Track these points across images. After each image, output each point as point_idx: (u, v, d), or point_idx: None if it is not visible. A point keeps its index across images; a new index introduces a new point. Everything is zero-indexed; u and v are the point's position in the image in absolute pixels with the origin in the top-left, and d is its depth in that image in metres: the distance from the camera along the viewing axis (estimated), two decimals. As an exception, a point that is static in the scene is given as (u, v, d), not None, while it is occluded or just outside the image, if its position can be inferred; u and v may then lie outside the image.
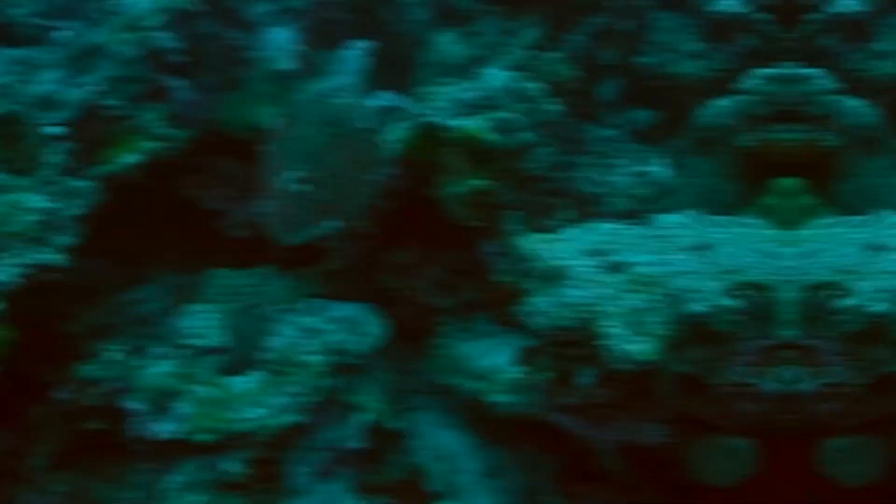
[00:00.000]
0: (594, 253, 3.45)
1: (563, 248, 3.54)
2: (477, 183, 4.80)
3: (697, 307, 2.97)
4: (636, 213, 5.66)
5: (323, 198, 4.85)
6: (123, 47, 5.32)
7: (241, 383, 4.93)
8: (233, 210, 6.10)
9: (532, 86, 5.25)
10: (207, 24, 6.20)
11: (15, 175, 4.86)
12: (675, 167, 5.22)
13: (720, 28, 6.43)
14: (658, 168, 5.78)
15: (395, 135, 5.54)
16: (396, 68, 6.93)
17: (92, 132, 5.24)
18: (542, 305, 3.24)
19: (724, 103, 5.10)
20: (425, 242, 5.59)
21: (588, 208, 5.97)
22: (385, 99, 4.94)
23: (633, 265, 3.26)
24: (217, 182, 6.04)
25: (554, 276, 3.34)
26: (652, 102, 7.20)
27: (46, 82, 5.25)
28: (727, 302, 3.02)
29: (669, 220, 4.31)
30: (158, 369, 5.00)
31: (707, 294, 3.03)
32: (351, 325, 5.17)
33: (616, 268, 3.27)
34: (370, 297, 5.97)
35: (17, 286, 4.47)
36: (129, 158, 5.13)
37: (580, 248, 3.51)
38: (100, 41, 5.38)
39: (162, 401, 4.83)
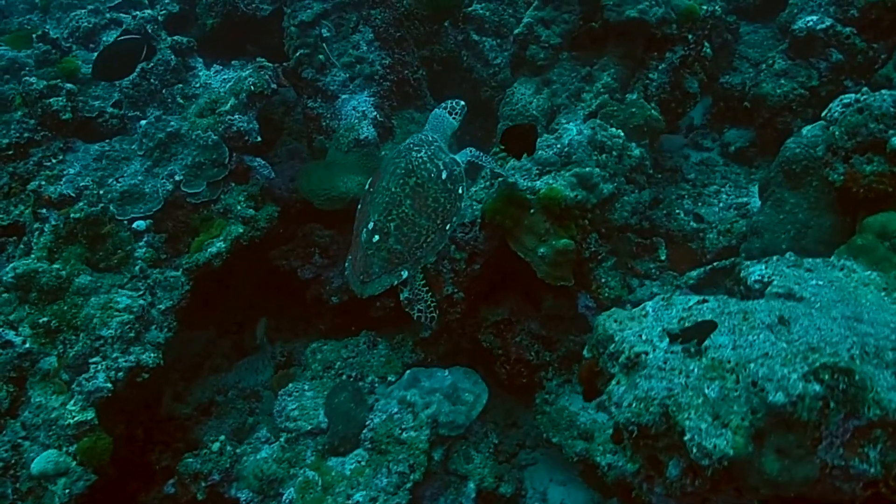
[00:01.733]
0: (671, 336, 3.16)
1: (641, 329, 3.27)
2: (560, 242, 4.56)
3: (779, 397, 2.63)
4: (731, 249, 5.41)
5: (397, 246, 4.66)
6: (202, 132, 5.37)
7: (344, 465, 4.82)
8: (327, 277, 6.16)
9: (612, 132, 4.98)
10: (287, 98, 6.28)
11: (102, 274, 4.92)
12: (768, 202, 4.82)
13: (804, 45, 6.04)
14: (755, 200, 5.44)
15: (479, 195, 5.41)
16: (477, 123, 6.84)
17: (178, 221, 5.33)
18: (623, 399, 2.97)
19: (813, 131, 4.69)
20: (520, 298, 5.41)
21: (681, 248, 5.68)
22: (468, 154, 4.79)
23: (710, 348, 2.94)
24: (310, 251, 6.10)
25: (632, 366, 3.08)
26: (742, 121, 6.87)
27: (129, 175, 5.34)
28: (812, 388, 2.65)
29: (756, 271, 4.03)
30: (262, 455, 4.94)
31: (788, 381, 2.67)
32: (450, 395, 5.00)
33: (693, 353, 2.97)
34: (469, 357, 5.86)
35: (110, 392, 4.46)
36: (217, 246, 5.11)
37: (658, 330, 3.22)
38: (179, 128, 5.45)
39: (269, 488, 4.77)
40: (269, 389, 6.03)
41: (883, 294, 3.87)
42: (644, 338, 3.23)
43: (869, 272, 4.04)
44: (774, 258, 4.44)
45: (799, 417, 2.70)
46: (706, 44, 6.07)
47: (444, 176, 4.57)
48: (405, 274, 4.63)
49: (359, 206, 4.90)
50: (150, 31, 5.79)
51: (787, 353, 2.82)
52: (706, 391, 2.82)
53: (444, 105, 5.01)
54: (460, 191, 4.66)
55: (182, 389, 6.15)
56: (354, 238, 4.79)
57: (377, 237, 4.56)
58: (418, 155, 4.65)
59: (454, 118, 4.99)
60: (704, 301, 3.37)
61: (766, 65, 6.36)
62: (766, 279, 4.08)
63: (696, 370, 2.93)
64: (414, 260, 4.62)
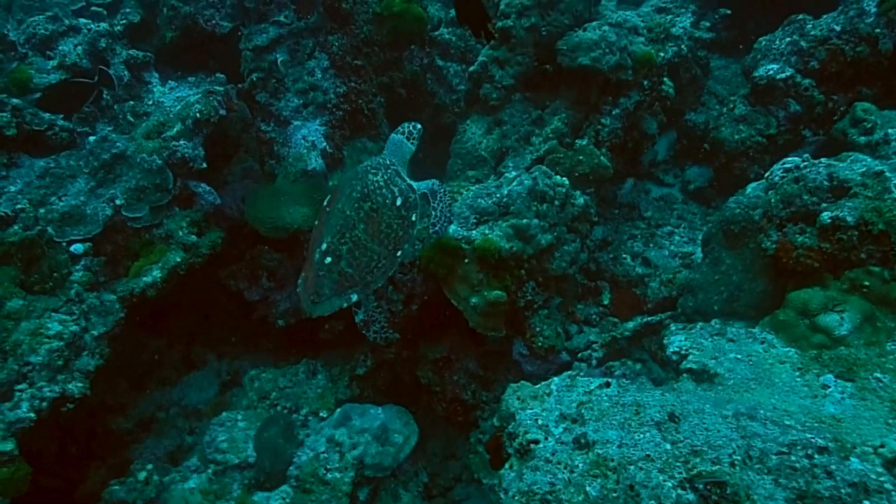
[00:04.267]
0: (568, 419, 3.18)
1: (540, 412, 3.29)
2: (493, 294, 4.56)
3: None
4: (670, 300, 5.41)
5: (348, 269, 4.67)
6: (147, 156, 5.33)
7: (269, 500, 4.84)
8: (274, 299, 6.15)
9: (557, 181, 4.96)
10: (245, 115, 6.21)
11: (36, 297, 4.88)
12: (707, 259, 4.83)
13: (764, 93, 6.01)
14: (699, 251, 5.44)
15: (422, 234, 5.38)
16: (439, 147, 6.78)
17: (118, 245, 5.29)
18: (510, 487, 2.99)
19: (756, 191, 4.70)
20: (460, 335, 5.41)
21: (625, 294, 5.68)
22: (429, 186, 4.77)
23: (598, 443, 2.95)
24: (257, 273, 6.07)
25: (525, 452, 3.10)
26: (704, 160, 6.84)
27: (73, 195, 5.30)
28: (686, 497, 2.65)
29: (675, 342, 4.10)
30: (189, 485, 4.96)
31: (662, 490, 2.67)
32: (379, 436, 5.01)
33: (582, 445, 2.98)
34: (408, 390, 5.87)
35: (33, 422, 4.44)
36: (153, 275, 5.09)
37: (556, 414, 3.24)
38: (125, 149, 5.39)
39: (190, 521, 4.80)
40: (207, 408, 6.06)
41: (797, 374, 3.90)
42: (540, 422, 3.25)
43: (787, 349, 4.07)
44: (699, 326, 4.47)
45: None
46: (668, 82, 6.03)
47: (398, 202, 4.57)
48: (354, 297, 4.65)
49: (315, 223, 4.90)
50: (108, 71, 5.67)
51: (669, 456, 2.83)
52: (588, 489, 2.84)
53: (400, 129, 4.97)
54: (413, 218, 4.66)
55: (126, 400, 6.17)
56: (308, 255, 4.79)
57: (329, 259, 4.56)
58: (374, 178, 4.64)
59: (411, 142, 4.95)
60: (606, 385, 3.38)
61: (727, 109, 6.34)
62: (683, 351, 4.11)
63: (581, 465, 2.94)
64: (364, 284, 4.63)
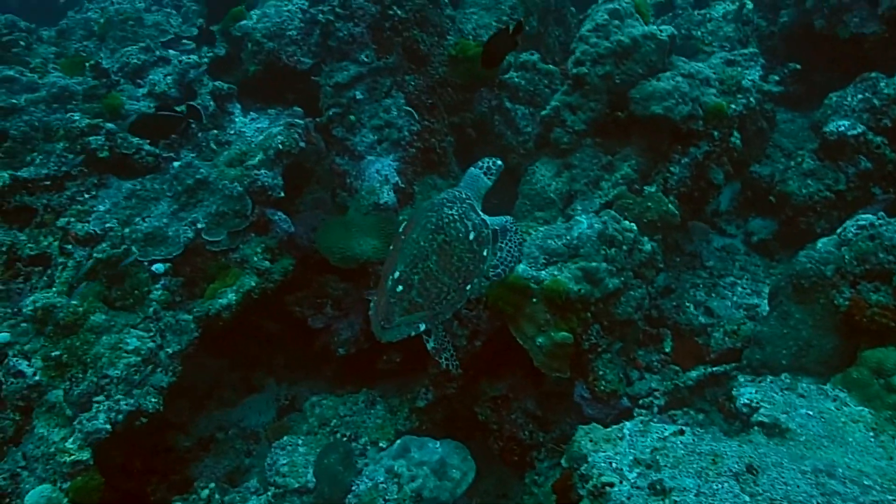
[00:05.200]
0: (642, 464, 3.19)
1: (613, 456, 3.31)
2: (559, 335, 4.62)
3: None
4: (734, 352, 5.38)
5: (418, 299, 4.81)
6: (228, 183, 5.57)
7: (325, 527, 4.92)
8: (336, 328, 6.29)
9: (625, 226, 5.02)
10: (319, 147, 6.46)
11: (117, 312, 5.11)
12: (775, 313, 4.80)
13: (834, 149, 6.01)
14: (766, 303, 5.41)
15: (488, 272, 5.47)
16: (503, 188, 6.91)
17: (196, 267, 5.51)
18: None
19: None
20: (521, 374, 5.45)
21: (687, 342, 5.67)
22: (502, 223, 4.90)
23: (674, 490, 2.95)
24: (322, 301, 6.23)
25: (598, 495, 3.12)
26: (768, 212, 6.84)
27: (156, 217, 5.55)
28: None
29: (745, 394, 4.11)
30: (248, 507, 5.06)
31: None
32: (437, 470, 5.05)
33: (658, 491, 2.99)
34: (465, 426, 5.91)
35: (109, 433, 4.62)
36: (228, 298, 5.27)
37: (630, 458, 3.26)
38: (208, 175, 5.65)
39: (249, 543, 4.89)
40: (267, 432, 6.18)
41: (871, 434, 3.85)
42: (614, 466, 3.27)
43: (860, 408, 4.02)
44: (769, 379, 4.44)
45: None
46: (736, 134, 6.08)
47: (471, 237, 4.71)
48: (423, 327, 4.79)
49: (391, 248, 5.06)
50: (196, 105, 6.00)
51: (750, 507, 2.84)
52: (666, 538, 2.86)
53: (480, 163, 5.12)
54: (485, 253, 4.79)
55: (187, 419, 6.33)
56: (381, 281, 4.96)
57: (401, 287, 4.70)
58: (449, 212, 4.80)
59: (488, 177, 5.10)
60: (680, 433, 3.39)
61: (795, 162, 6.34)
62: (754, 404, 4.09)
63: (658, 512, 2.96)
64: (433, 315, 4.76)
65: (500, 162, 5.16)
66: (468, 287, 4.75)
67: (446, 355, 4.93)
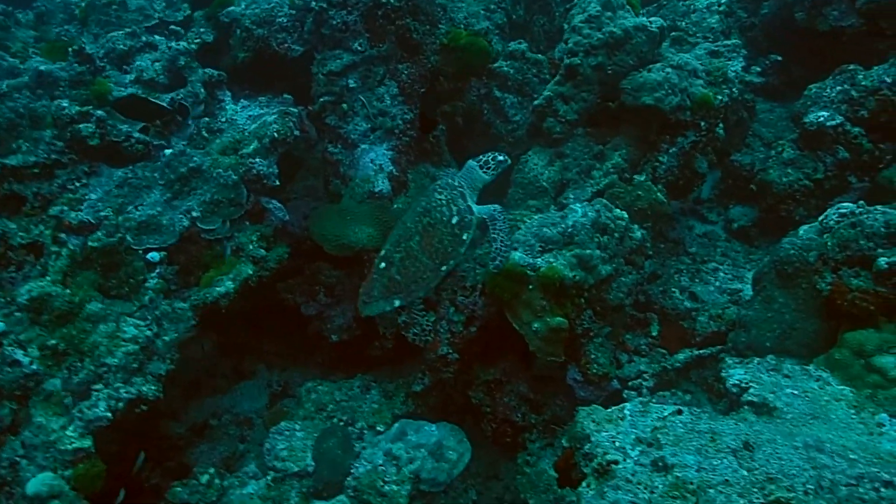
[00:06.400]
0: (644, 443, 3.37)
1: (616, 435, 3.47)
2: (555, 320, 4.75)
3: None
4: (719, 335, 5.57)
5: (397, 276, 5.02)
6: (222, 171, 5.57)
7: (326, 509, 5.01)
8: (329, 315, 6.34)
9: (616, 214, 5.16)
10: (310, 135, 6.47)
11: (113, 301, 5.11)
12: (759, 297, 4.98)
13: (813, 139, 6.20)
14: (748, 287, 5.60)
15: (484, 259, 5.60)
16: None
17: (191, 256, 5.52)
18: None
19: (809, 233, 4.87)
20: (514, 358, 5.58)
21: (674, 326, 5.84)
22: (489, 211, 5.07)
23: (676, 466, 3.12)
24: (315, 289, 6.28)
25: (603, 472, 3.27)
26: (748, 199, 7.03)
27: (149, 205, 5.54)
28: None
29: (735, 375, 4.30)
30: (248, 490, 5.12)
31: None
32: (434, 452, 5.17)
33: (661, 468, 3.15)
34: (459, 410, 6.02)
35: (109, 421, 4.64)
36: (226, 286, 5.30)
37: (632, 437, 3.43)
38: (201, 164, 5.64)
39: (250, 525, 4.96)
40: (262, 418, 6.24)
41: (852, 412, 4.05)
42: (617, 444, 3.42)
43: (842, 387, 4.23)
44: (755, 361, 4.63)
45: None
46: (720, 124, 6.24)
47: (454, 220, 5.02)
48: (397, 303, 5.11)
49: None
50: (188, 92, 5.99)
51: (746, 482, 3.00)
52: (670, 512, 3.01)
53: (482, 156, 5.30)
54: (465, 237, 5.09)
55: (179, 407, 6.35)
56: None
57: (383, 264, 5.06)
58: (438, 197, 5.21)
59: (485, 171, 5.29)
60: (679, 412, 3.55)
61: (776, 152, 6.53)
62: (743, 384, 4.27)
63: (660, 487, 3.11)
64: (408, 292, 4.95)
65: (501, 158, 5.33)
66: (443, 268, 4.98)
67: (415, 330, 5.14)
